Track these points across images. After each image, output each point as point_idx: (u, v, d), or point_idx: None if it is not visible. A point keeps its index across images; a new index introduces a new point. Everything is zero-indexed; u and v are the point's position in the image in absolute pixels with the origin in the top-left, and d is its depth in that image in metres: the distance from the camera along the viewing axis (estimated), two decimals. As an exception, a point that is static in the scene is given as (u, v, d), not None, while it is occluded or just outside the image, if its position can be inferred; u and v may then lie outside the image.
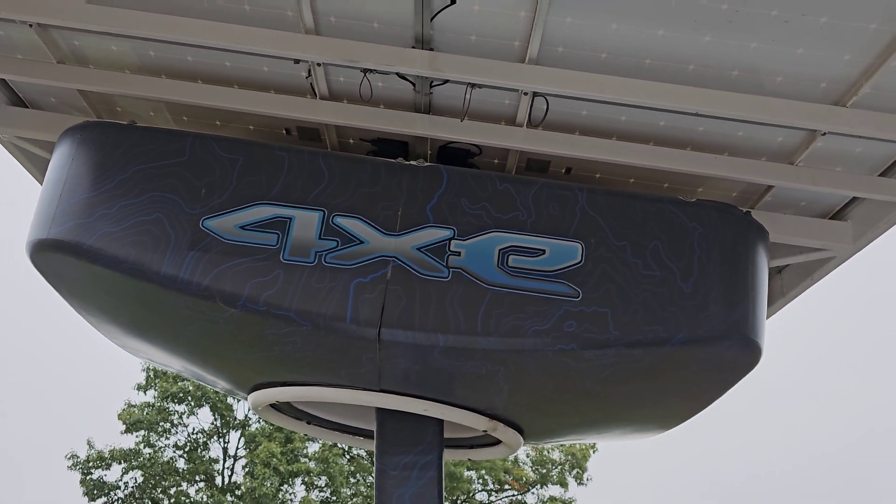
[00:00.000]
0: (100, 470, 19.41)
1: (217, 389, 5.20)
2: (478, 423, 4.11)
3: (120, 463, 19.49)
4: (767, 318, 4.86)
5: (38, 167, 4.74)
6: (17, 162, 4.69)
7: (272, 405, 4.54)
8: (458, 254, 3.60)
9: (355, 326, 3.50)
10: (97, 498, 19.17)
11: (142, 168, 3.71)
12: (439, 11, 3.33)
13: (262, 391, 4.24)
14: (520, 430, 4.34)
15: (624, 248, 3.62)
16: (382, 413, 4.15)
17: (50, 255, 3.69)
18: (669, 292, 3.56)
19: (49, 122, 4.37)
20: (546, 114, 3.79)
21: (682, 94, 3.45)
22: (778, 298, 4.88)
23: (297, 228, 3.62)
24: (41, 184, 4.81)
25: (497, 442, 4.60)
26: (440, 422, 4.15)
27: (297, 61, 3.72)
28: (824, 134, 3.64)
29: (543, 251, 3.61)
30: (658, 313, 3.52)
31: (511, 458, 23.28)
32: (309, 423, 5.00)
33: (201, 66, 3.98)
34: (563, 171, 4.36)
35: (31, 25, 3.74)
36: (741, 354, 3.62)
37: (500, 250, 3.61)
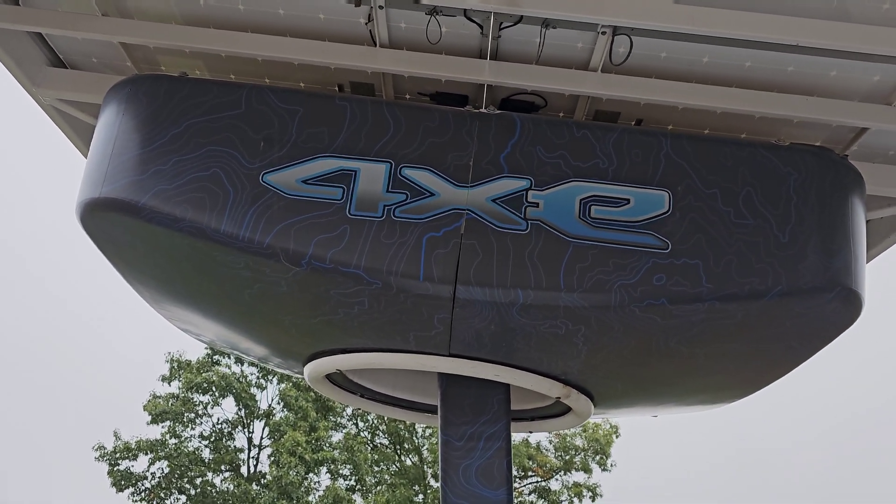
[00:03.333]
0: (127, 461, 19.39)
1: (258, 362, 4.99)
2: (551, 390, 3.88)
3: (146, 454, 19.47)
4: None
5: (78, 133, 4.54)
6: (58, 127, 4.49)
7: (327, 376, 4.33)
8: (536, 205, 3.36)
9: (429, 284, 3.28)
10: (125, 489, 19.15)
11: (196, 121, 3.50)
12: None
13: (321, 360, 4.03)
14: (590, 398, 4.12)
15: (714, 195, 3.37)
16: (447, 380, 3.93)
17: (102, 215, 3.48)
18: (765, 242, 3.31)
19: (92, 83, 4.18)
20: (630, 53, 3.53)
21: (780, 24, 3.18)
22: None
23: (363, 181, 3.40)
24: (82, 151, 4.63)
25: (564, 412, 4.38)
26: (507, 390, 3.93)
27: (357, 3, 3.48)
28: None
29: (628, 200, 3.37)
30: (753, 264, 3.28)
31: (535, 443, 23.18)
32: (362, 396, 4.80)
33: (253, 15, 3.76)
34: (634, 122, 4.11)
35: None
36: (842, 307, 3.36)
37: (580, 200, 3.37)
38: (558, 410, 4.45)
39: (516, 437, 21.46)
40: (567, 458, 23.20)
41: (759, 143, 3.51)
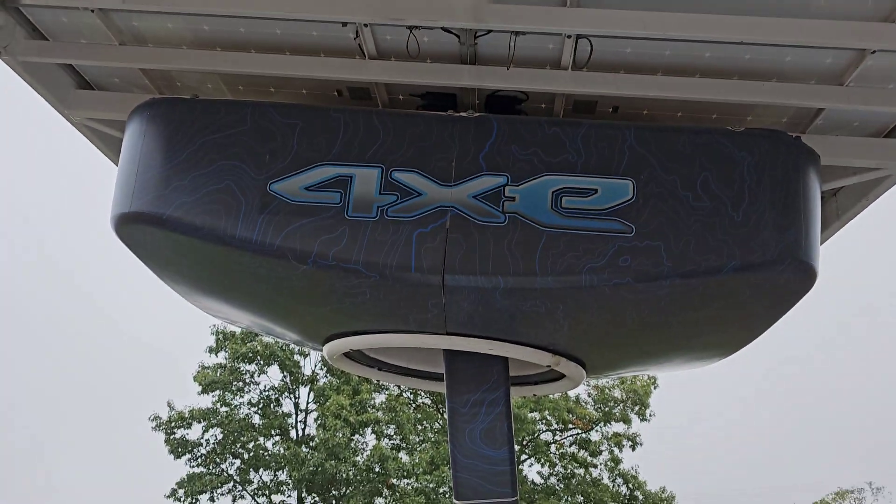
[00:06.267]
0: (182, 429, 20.49)
1: (287, 342, 5.53)
2: (541, 359, 4.29)
3: (200, 422, 20.54)
4: (823, 241, 4.89)
5: (108, 146, 5.03)
6: (90, 142, 4.98)
7: (345, 354, 4.82)
8: (513, 199, 3.74)
9: (420, 275, 3.70)
10: (182, 455, 20.29)
11: (208, 139, 3.93)
12: None
13: (336, 341, 4.51)
14: (582, 364, 4.52)
15: (674, 181, 3.70)
16: (450, 355, 4.37)
17: (133, 227, 3.97)
18: (720, 222, 3.64)
19: (115, 102, 4.63)
20: (591, 56, 3.85)
21: (726, 24, 3.46)
22: (833, 221, 4.88)
23: (358, 186, 3.81)
24: (113, 161, 5.12)
25: (560, 377, 4.79)
26: (505, 360, 4.35)
27: (344, 24, 3.85)
28: (874, 52, 3.61)
29: (595, 190, 3.72)
30: (710, 243, 3.61)
31: (573, 397, 23.66)
32: (380, 369, 5.27)
33: (253, 35, 4.14)
34: (611, 109, 4.41)
35: (92, 11, 3.95)
36: (795, 278, 3.69)
37: (553, 192, 3.73)
38: (557, 375, 4.87)
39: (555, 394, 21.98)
40: (606, 409, 23.64)
41: (716, 130, 3.80)
